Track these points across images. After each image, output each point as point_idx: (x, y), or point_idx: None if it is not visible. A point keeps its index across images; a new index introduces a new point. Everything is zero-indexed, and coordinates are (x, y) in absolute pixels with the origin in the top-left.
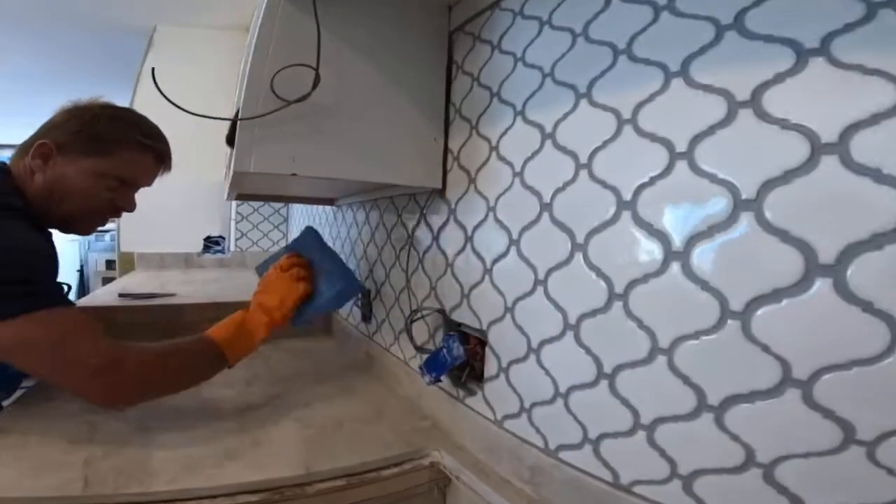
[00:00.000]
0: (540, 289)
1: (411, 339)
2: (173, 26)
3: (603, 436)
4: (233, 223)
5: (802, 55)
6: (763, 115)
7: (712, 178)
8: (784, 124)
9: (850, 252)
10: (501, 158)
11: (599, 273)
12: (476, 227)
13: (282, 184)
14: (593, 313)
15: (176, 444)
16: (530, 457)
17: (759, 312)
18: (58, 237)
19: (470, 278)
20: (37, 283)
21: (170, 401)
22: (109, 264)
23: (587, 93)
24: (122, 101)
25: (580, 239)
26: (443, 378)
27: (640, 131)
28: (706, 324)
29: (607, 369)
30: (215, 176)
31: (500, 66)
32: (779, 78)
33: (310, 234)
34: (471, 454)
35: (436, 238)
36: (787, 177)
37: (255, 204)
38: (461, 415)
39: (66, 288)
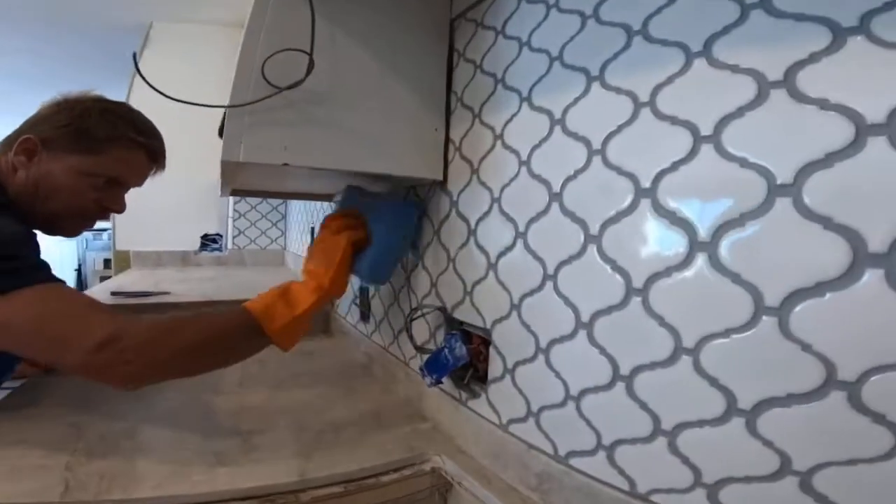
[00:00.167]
0: (549, 284)
1: (411, 338)
2: (170, 23)
3: (618, 442)
4: (230, 221)
5: (840, 34)
6: (799, 96)
7: (742, 163)
8: (823, 104)
9: None
10: (507, 147)
11: (615, 266)
12: (479, 220)
13: (276, 177)
14: (609, 310)
15: (164, 447)
16: (538, 463)
17: (799, 308)
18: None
19: (473, 274)
20: (22, 259)
21: (161, 402)
22: (107, 263)
23: (600, 76)
24: (117, 98)
25: (594, 230)
26: (444, 380)
27: (659, 114)
28: (738, 321)
29: (624, 371)
30: (212, 173)
31: (505, 52)
32: (814, 57)
33: (352, 193)
34: (474, 459)
35: (437, 232)
36: (829, 160)
37: (253, 201)
38: (464, 418)
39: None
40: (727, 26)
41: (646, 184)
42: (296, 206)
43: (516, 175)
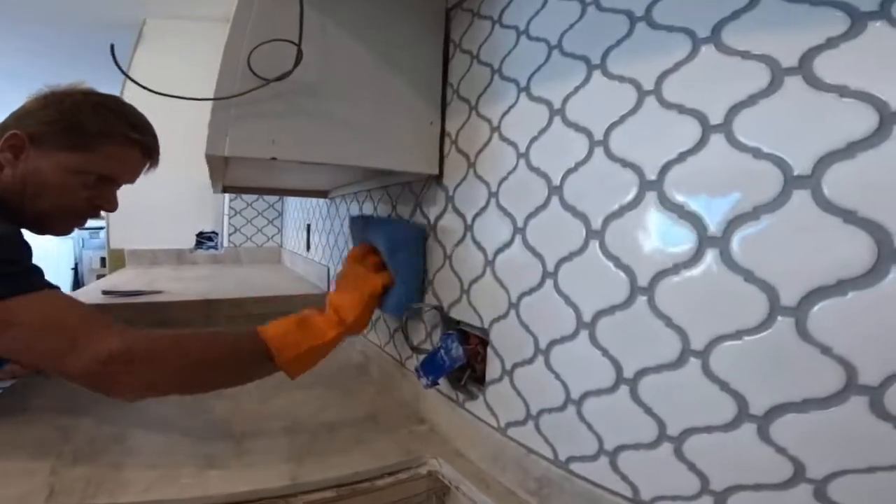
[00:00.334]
0: (549, 282)
1: (407, 339)
2: (163, 19)
3: (621, 447)
4: (226, 218)
5: (859, 19)
6: (816, 83)
7: (756, 153)
8: (843, 91)
9: None
10: (504, 139)
11: (619, 264)
12: (476, 216)
13: (268, 172)
14: (612, 310)
15: (154, 451)
16: (537, 468)
17: (818, 308)
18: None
19: (470, 272)
20: (19, 264)
21: (152, 405)
22: (104, 262)
23: (601, 64)
24: (121, 98)
25: (596, 225)
26: (441, 381)
27: (664, 103)
28: (751, 322)
29: (628, 374)
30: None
31: (502, 42)
32: (832, 43)
33: (357, 222)
34: (472, 463)
35: (432, 228)
36: (851, 150)
37: (249, 198)
38: (461, 420)
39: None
40: (736, 11)
41: (651, 176)
42: (292, 202)
43: (514, 168)
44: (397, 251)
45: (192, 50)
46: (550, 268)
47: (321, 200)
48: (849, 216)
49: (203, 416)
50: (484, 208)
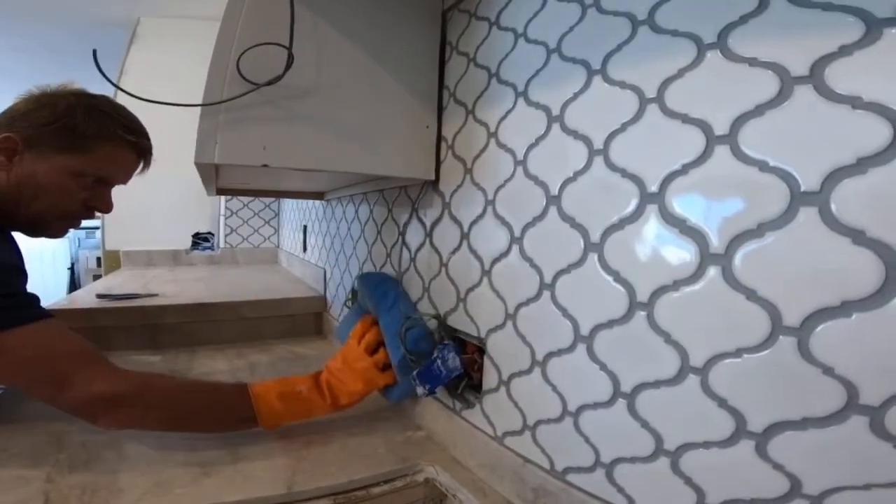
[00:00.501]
0: (546, 294)
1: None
2: (157, 18)
3: (618, 460)
4: (222, 219)
5: (874, 26)
6: (827, 93)
7: (762, 167)
8: (855, 103)
9: None
10: (501, 145)
11: (618, 278)
12: (473, 223)
13: (262, 175)
14: (610, 324)
15: (149, 458)
16: (534, 478)
17: (821, 328)
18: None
19: (466, 280)
20: (18, 296)
21: None
22: (101, 262)
23: (602, 69)
24: (112, 98)
25: (595, 237)
26: (437, 390)
27: (667, 111)
28: (752, 340)
29: (626, 388)
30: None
31: (499, 44)
32: (845, 51)
33: (366, 284)
34: (469, 471)
35: (429, 235)
36: (862, 165)
37: (245, 199)
38: (458, 428)
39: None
40: (744, 16)
41: (653, 188)
42: (289, 203)
43: (511, 176)
44: (386, 320)
45: (186, 48)
46: (548, 279)
47: (318, 202)
48: (857, 236)
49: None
50: (481, 216)
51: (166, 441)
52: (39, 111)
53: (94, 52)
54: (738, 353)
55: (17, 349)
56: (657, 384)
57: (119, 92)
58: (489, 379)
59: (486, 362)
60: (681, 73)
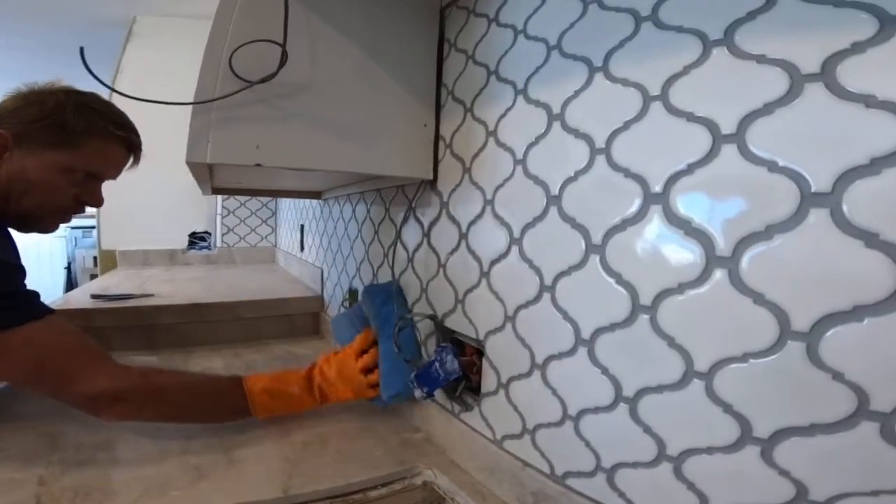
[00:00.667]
0: (546, 296)
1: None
2: (154, 16)
3: (619, 465)
4: (219, 218)
5: (888, 23)
6: (839, 91)
7: (771, 167)
8: (869, 101)
9: None
10: (500, 144)
11: (620, 280)
12: (471, 223)
13: (258, 174)
14: (612, 328)
15: (143, 460)
16: (534, 482)
17: (831, 333)
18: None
19: (465, 281)
20: (21, 296)
21: None
22: (98, 261)
23: (604, 66)
24: (105, 95)
25: (596, 239)
26: (436, 393)
27: (672, 109)
28: (759, 345)
29: (628, 393)
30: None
31: (498, 41)
32: (858, 48)
33: (371, 300)
34: (468, 474)
35: (426, 235)
36: (876, 166)
37: (242, 197)
38: (457, 431)
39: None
40: (752, 11)
41: (656, 188)
42: (286, 202)
43: (511, 175)
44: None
45: (182, 47)
46: (548, 281)
47: (315, 201)
48: (870, 239)
49: (189, 425)
50: (479, 216)
51: (161, 442)
52: (28, 108)
53: (81, 49)
54: (744, 357)
55: (22, 348)
56: (660, 389)
57: (120, 84)
58: (488, 381)
59: (485, 365)
60: (686, 70)
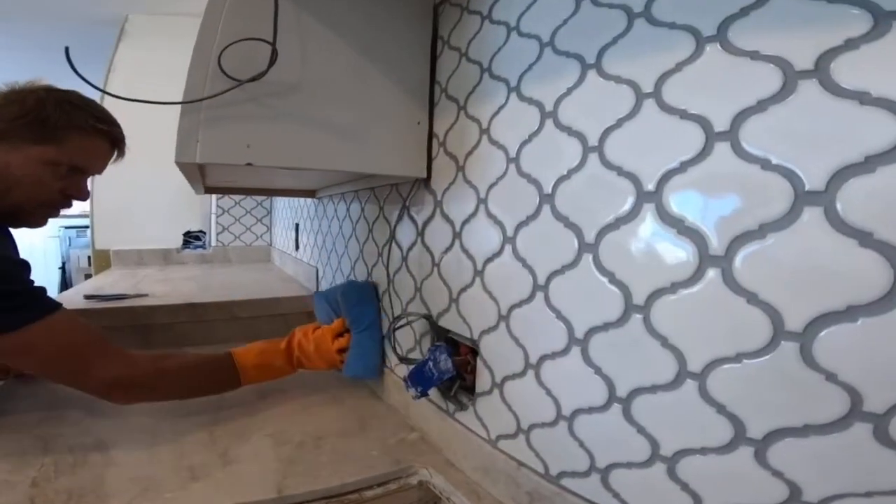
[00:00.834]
0: (540, 295)
1: (394, 348)
2: (146, 15)
3: (613, 465)
4: (213, 217)
5: (883, 18)
6: (833, 88)
7: (764, 165)
8: (863, 98)
9: None
10: (493, 142)
11: (613, 279)
12: (465, 222)
13: (250, 173)
14: (605, 327)
15: (137, 461)
16: (529, 482)
17: (825, 333)
18: (37, 233)
19: (458, 280)
20: (30, 293)
21: (135, 412)
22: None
23: (596, 63)
24: (92, 95)
25: (589, 237)
26: (430, 392)
27: (665, 107)
28: (752, 345)
29: (621, 393)
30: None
31: (491, 38)
32: (851, 44)
33: (345, 299)
34: (463, 474)
35: (420, 233)
36: (870, 164)
37: (237, 196)
38: (452, 430)
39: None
40: (745, 8)
41: (649, 186)
42: (281, 201)
43: (504, 173)
44: (357, 325)
45: (174, 46)
46: (542, 281)
47: (309, 200)
48: (865, 238)
49: (186, 424)
50: (473, 215)
51: (155, 444)
52: (9, 107)
53: (67, 49)
54: (737, 358)
55: (40, 346)
56: (654, 389)
57: (112, 84)
58: (482, 381)
59: (479, 364)
60: (679, 66)
